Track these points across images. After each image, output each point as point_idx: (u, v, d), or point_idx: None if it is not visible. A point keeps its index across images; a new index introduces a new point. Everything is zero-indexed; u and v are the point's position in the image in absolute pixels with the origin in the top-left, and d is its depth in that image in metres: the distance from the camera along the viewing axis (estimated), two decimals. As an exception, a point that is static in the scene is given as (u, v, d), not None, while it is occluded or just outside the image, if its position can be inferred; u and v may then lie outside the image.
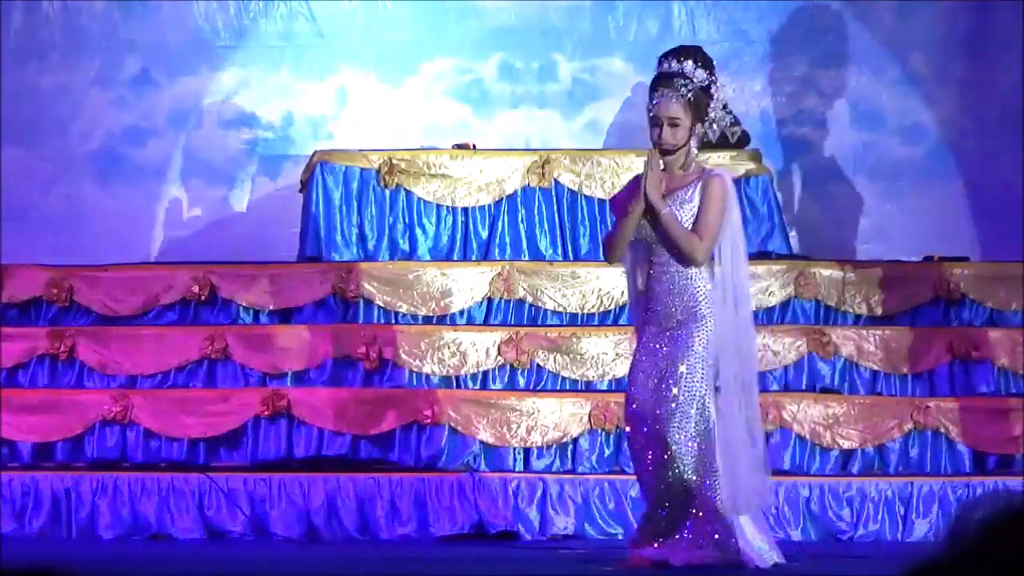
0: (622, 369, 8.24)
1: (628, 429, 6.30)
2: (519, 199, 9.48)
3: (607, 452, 8.38)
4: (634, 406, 6.21)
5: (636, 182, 6.28)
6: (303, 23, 10.47)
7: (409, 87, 10.48)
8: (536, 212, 9.47)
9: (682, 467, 6.08)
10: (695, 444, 6.10)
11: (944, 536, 2.44)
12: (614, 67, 10.47)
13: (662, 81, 6.28)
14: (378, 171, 9.46)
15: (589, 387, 8.69)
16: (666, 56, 6.37)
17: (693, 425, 6.11)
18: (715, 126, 6.30)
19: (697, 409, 6.11)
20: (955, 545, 2.39)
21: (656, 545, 6.13)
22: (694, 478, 6.09)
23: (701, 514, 6.11)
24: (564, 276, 9.10)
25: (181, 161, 10.43)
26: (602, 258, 6.46)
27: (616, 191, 6.62)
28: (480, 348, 8.73)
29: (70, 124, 10.39)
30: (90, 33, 10.44)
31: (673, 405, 6.11)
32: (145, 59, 10.44)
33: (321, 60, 10.49)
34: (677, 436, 6.09)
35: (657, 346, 6.20)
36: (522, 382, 8.70)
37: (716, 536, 6.12)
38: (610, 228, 6.43)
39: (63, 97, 10.40)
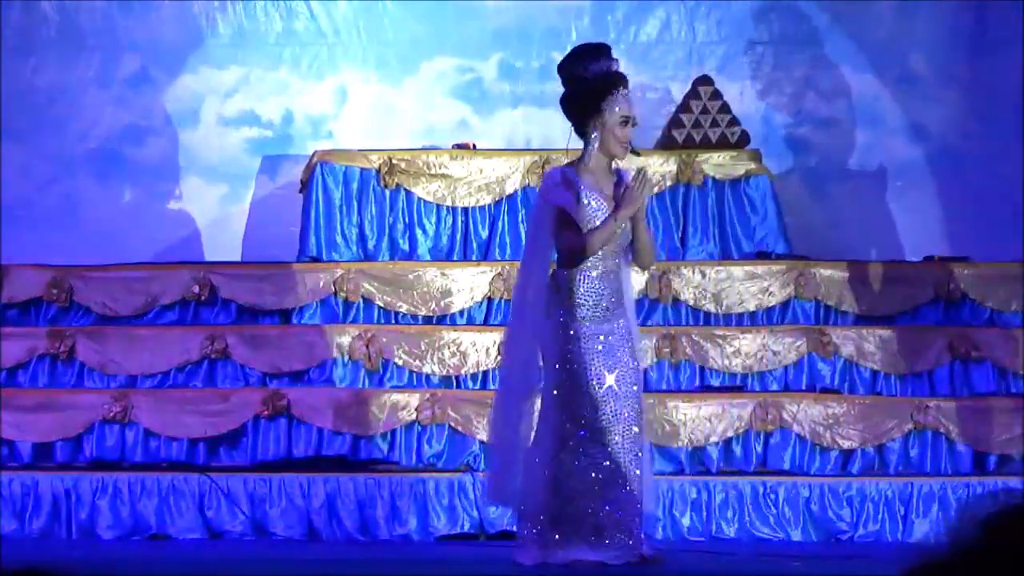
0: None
1: (608, 410, 6.16)
2: (519, 199, 9.48)
3: (607, 452, 8.38)
4: (612, 404, 6.17)
5: (567, 177, 6.23)
6: (303, 23, 10.46)
7: (409, 87, 10.47)
8: (536, 212, 9.46)
9: (627, 462, 6.12)
10: (638, 440, 6.18)
11: (946, 534, 2.45)
12: (614, 67, 10.45)
13: (622, 80, 6.27)
14: (378, 171, 9.46)
15: (589, 387, 8.68)
16: (606, 55, 6.32)
17: (641, 421, 6.19)
18: None
19: (640, 405, 6.23)
20: (958, 543, 2.40)
21: (584, 546, 6.12)
22: (635, 475, 6.14)
23: (622, 512, 6.15)
24: (564, 276, 9.09)
25: (180, 160, 10.42)
26: (566, 262, 6.25)
27: (551, 189, 6.32)
28: (480, 348, 8.73)
29: (69, 123, 10.37)
30: (89, 31, 10.42)
31: (641, 405, 6.19)
32: (144, 58, 10.42)
33: (321, 60, 10.47)
34: (635, 431, 6.15)
35: (602, 339, 6.20)
36: (522, 382, 8.69)
37: (642, 534, 6.21)
38: (567, 229, 6.23)
39: (62, 96, 10.38)
